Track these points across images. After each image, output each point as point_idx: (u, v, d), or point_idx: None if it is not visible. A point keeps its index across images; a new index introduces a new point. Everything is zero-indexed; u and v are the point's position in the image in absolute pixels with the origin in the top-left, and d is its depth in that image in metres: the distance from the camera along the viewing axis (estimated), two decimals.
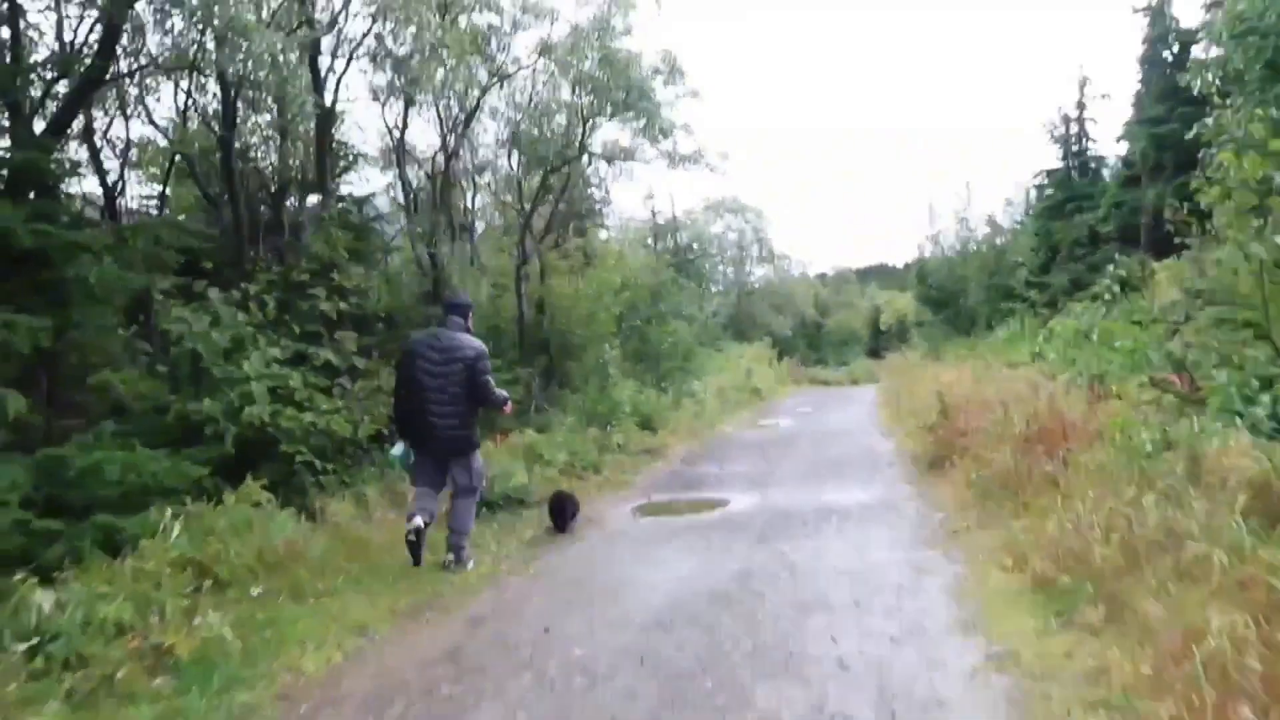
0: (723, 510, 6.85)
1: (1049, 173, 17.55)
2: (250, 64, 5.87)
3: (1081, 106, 16.87)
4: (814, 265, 51.32)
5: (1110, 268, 9.61)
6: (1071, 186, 16.51)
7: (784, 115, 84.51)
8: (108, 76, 6.52)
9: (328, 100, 7.49)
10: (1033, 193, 19.01)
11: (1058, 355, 9.42)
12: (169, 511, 4.38)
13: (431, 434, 4.92)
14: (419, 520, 4.75)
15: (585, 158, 10.41)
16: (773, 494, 7.38)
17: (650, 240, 28.18)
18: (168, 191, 8.57)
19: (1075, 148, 16.98)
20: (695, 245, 28.39)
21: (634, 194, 43.97)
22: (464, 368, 4.90)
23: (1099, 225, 14.14)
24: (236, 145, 7.24)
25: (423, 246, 8.82)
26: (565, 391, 11.24)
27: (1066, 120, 16.99)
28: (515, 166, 11.23)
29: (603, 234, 20.73)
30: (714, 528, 6.15)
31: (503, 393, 5.20)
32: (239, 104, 7.04)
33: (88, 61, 6.22)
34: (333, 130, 7.97)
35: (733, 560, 5.15)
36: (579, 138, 9.94)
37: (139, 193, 8.84)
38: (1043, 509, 4.92)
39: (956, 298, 19.48)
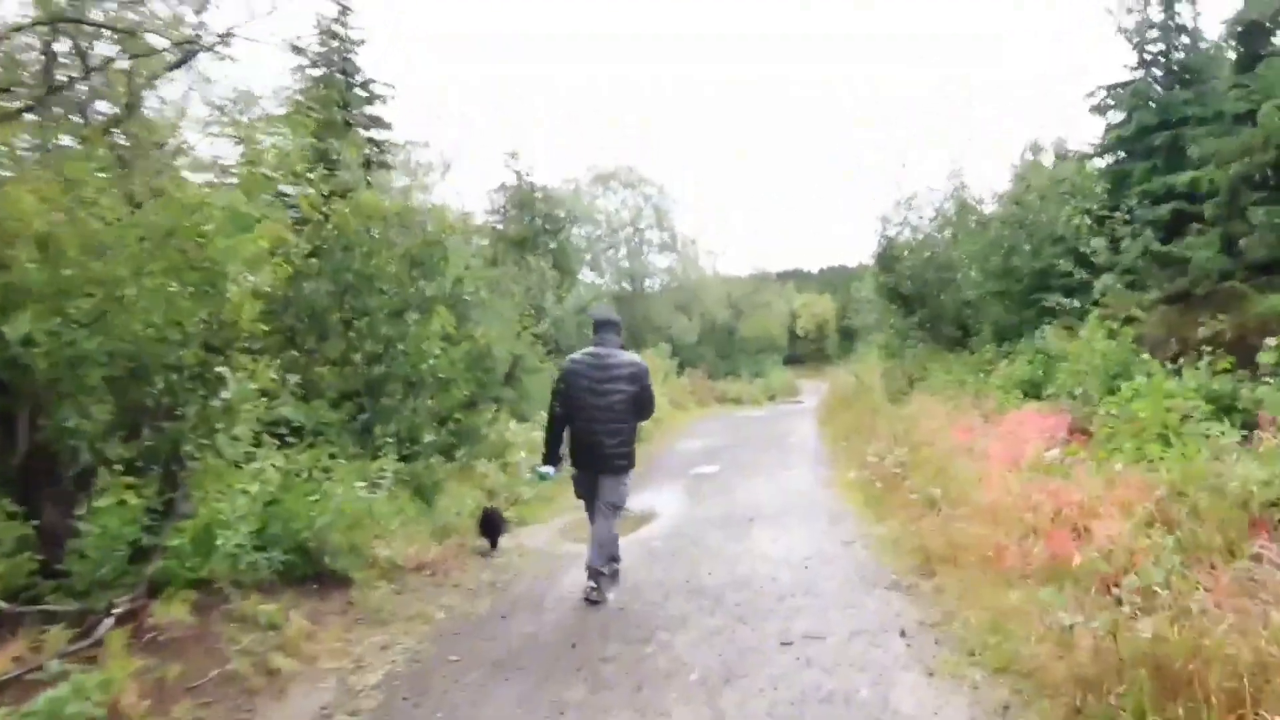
0: None
1: (1113, 88, 10.64)
2: None
3: None
4: (726, 263, 43.39)
5: None
6: (1169, 106, 9.65)
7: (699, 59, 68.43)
8: None
9: None
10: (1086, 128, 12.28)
11: None
12: None
13: (596, 453, 4.92)
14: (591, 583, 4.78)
15: None
16: None
17: (506, 208, 20.43)
18: None
19: (1160, 46, 10.19)
20: (562, 215, 20.18)
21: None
22: (628, 384, 4.90)
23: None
24: None
25: None
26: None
27: (1145, 3, 10.21)
28: None
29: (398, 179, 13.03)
30: None
31: None
32: None
33: None
34: None
35: None
36: None
37: None
38: None
39: (937, 291, 12.55)
